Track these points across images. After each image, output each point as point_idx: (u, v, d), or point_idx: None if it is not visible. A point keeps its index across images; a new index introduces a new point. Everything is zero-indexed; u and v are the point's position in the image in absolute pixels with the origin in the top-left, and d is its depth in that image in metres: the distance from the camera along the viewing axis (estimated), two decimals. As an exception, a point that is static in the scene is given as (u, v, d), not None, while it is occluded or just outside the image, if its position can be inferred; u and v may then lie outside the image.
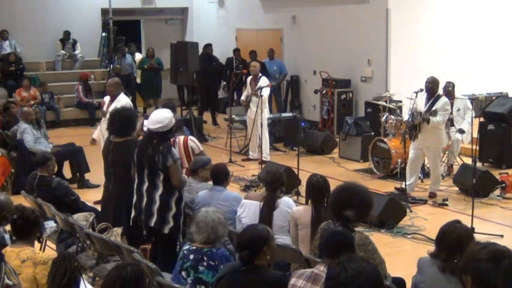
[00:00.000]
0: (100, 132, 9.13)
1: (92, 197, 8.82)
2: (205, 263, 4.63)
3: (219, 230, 4.69)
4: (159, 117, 5.87)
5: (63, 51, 17.04)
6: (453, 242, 4.06)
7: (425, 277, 4.19)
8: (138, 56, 17.34)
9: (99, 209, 6.98)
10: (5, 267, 3.83)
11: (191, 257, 4.67)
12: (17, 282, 3.95)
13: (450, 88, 10.40)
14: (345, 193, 4.70)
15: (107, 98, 9.11)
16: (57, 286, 3.69)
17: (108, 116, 7.12)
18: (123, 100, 8.83)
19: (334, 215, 4.71)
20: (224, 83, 15.99)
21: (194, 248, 4.70)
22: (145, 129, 7.13)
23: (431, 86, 8.97)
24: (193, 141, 7.59)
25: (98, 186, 9.34)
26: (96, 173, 8.99)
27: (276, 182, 5.90)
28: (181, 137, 7.62)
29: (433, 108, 8.80)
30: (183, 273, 4.68)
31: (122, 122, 6.55)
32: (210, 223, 4.68)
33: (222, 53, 16.01)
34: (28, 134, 9.96)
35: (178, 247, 5.92)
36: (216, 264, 4.59)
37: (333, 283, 2.96)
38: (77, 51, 17.16)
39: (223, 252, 4.70)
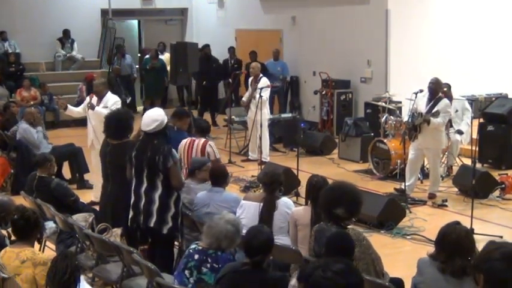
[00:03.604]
0: (94, 134, 8.96)
1: (91, 197, 8.82)
2: (208, 265, 4.60)
3: (222, 243, 4.61)
4: (154, 116, 5.84)
5: (62, 51, 17.01)
6: (453, 243, 4.07)
7: (425, 278, 4.20)
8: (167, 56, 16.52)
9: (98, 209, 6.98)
10: None
11: (196, 257, 4.64)
12: (9, 276, 3.96)
13: (445, 89, 10.38)
14: (334, 192, 4.78)
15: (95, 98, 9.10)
16: (58, 283, 3.69)
17: (104, 119, 7.04)
18: (112, 99, 8.82)
19: (325, 215, 4.76)
20: (223, 83, 15.95)
21: (200, 248, 4.67)
22: None
23: (435, 87, 8.96)
24: (211, 147, 7.70)
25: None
26: (96, 174, 8.97)
27: (274, 183, 5.90)
28: (202, 140, 7.75)
29: (435, 110, 8.80)
30: (186, 272, 4.65)
31: (118, 124, 6.54)
32: (216, 234, 4.61)
33: (222, 53, 15.99)
34: (31, 132, 9.95)
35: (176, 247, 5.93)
36: (219, 267, 4.54)
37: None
38: (74, 52, 17.11)
39: (228, 256, 4.66)
